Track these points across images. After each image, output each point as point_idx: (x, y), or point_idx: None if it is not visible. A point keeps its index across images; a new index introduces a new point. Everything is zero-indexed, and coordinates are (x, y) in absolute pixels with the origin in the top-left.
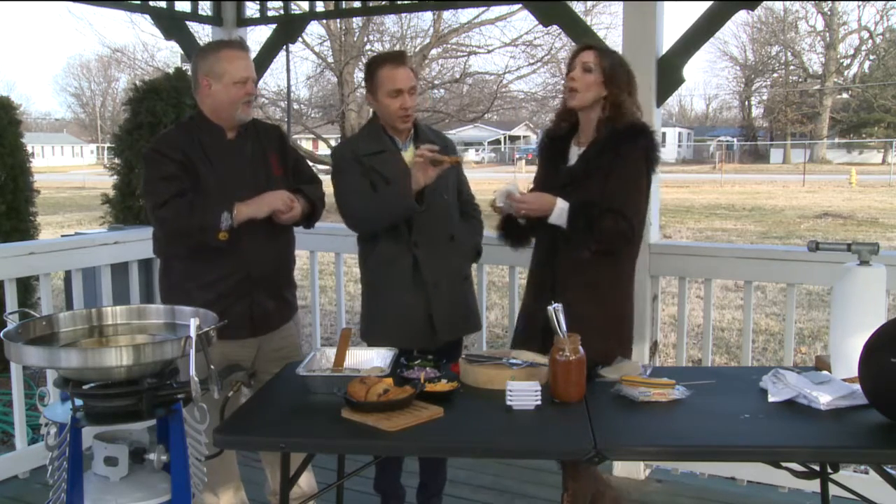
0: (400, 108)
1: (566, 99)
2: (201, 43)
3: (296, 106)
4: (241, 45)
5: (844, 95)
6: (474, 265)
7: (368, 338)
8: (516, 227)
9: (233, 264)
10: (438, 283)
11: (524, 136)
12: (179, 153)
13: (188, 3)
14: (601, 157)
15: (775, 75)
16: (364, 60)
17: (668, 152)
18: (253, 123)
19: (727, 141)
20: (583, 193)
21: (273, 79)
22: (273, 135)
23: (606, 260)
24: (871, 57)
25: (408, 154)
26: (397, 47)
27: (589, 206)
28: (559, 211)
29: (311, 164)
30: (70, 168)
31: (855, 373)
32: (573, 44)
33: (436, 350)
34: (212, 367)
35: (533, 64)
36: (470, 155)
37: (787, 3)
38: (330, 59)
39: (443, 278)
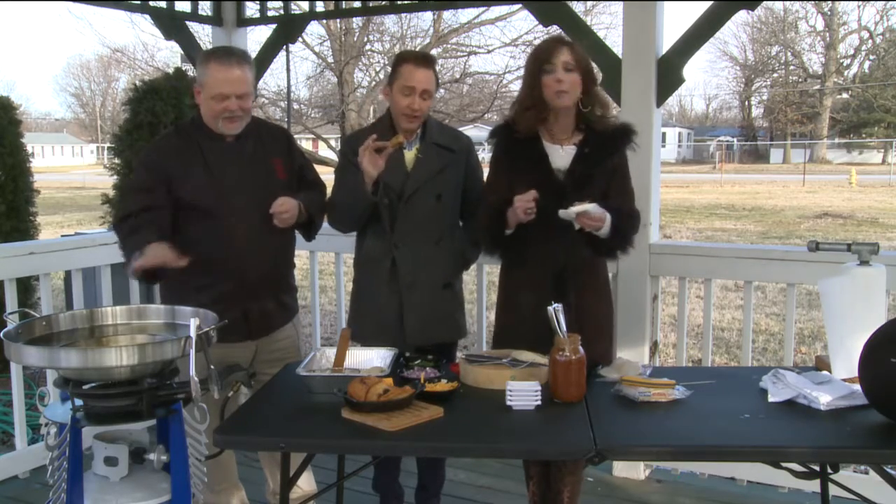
0: (407, 107)
1: (552, 100)
2: (201, 43)
3: (296, 106)
4: (233, 57)
5: (844, 95)
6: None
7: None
8: (503, 235)
9: (227, 269)
10: (413, 286)
11: None
12: (166, 167)
13: (188, 3)
14: (603, 159)
15: (775, 75)
16: (364, 60)
17: (668, 152)
18: (256, 125)
19: (727, 141)
20: (583, 196)
21: (273, 79)
22: (279, 138)
23: (605, 259)
24: (871, 57)
25: (410, 153)
26: (397, 47)
27: (623, 215)
28: (607, 224)
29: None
30: (70, 168)
31: (855, 373)
32: None
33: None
34: (212, 367)
35: None
36: None
37: (787, 3)
38: (330, 59)
39: (419, 282)
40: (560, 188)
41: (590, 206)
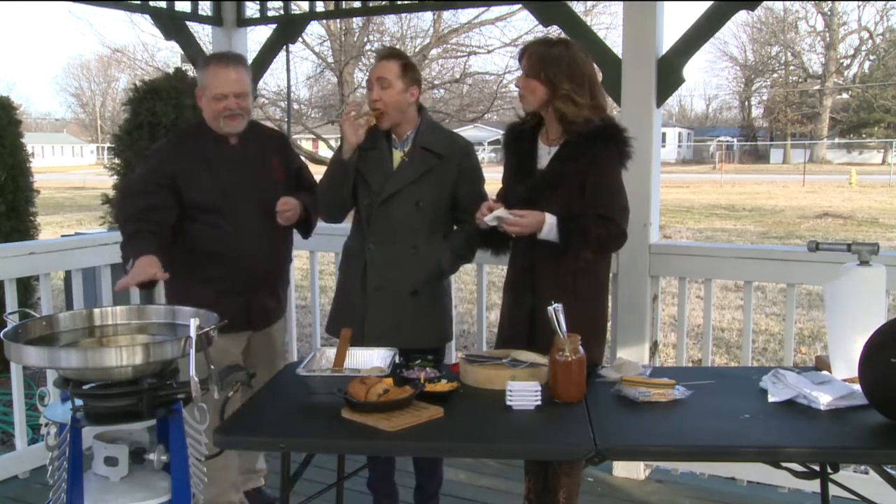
0: (370, 101)
1: (521, 102)
2: (201, 43)
3: (296, 106)
4: (230, 60)
5: (844, 95)
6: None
7: (329, 330)
8: (496, 234)
9: (232, 263)
10: (381, 289)
11: None
12: (170, 170)
13: (188, 3)
14: (575, 159)
15: (775, 75)
16: (364, 60)
17: (668, 152)
18: (255, 128)
19: (727, 141)
20: (558, 197)
21: (273, 79)
22: (277, 140)
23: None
24: (871, 57)
25: (398, 155)
26: (398, 47)
27: (577, 218)
28: (549, 226)
29: (311, 164)
30: (70, 168)
31: (855, 373)
32: None
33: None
34: (212, 367)
35: None
36: None
37: (787, 3)
38: (330, 59)
39: (387, 286)
40: (535, 188)
41: (499, 212)
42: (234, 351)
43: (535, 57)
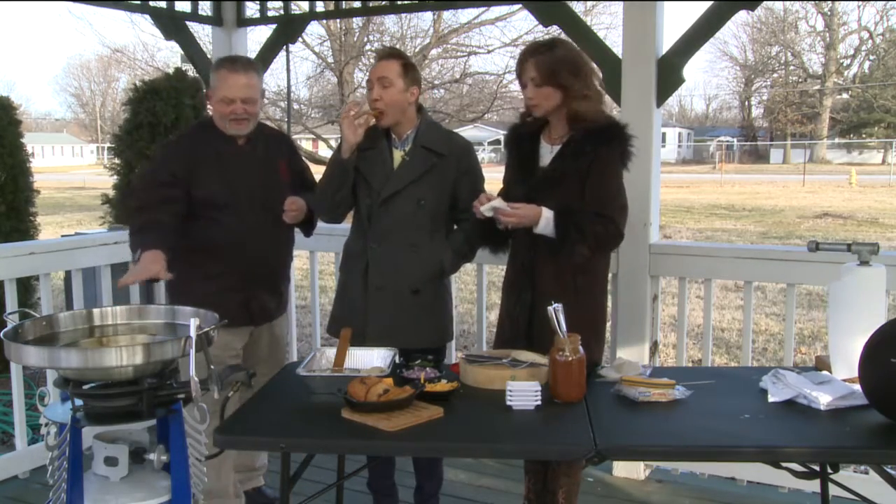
0: (370, 101)
1: (531, 111)
2: (201, 43)
3: (296, 106)
4: (241, 65)
5: (844, 95)
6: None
7: (330, 331)
8: (495, 232)
9: (235, 259)
10: (382, 289)
11: None
12: (184, 165)
13: (188, 3)
14: (577, 158)
15: (775, 75)
16: (364, 60)
17: (668, 152)
18: (262, 130)
19: (727, 141)
20: (559, 195)
21: (273, 79)
22: (283, 143)
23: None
24: (871, 57)
25: (398, 154)
26: (398, 47)
27: (574, 213)
28: (545, 220)
29: (311, 164)
30: (70, 168)
31: (855, 373)
32: None
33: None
34: (212, 367)
35: None
36: None
37: (787, 3)
38: (330, 59)
39: (389, 285)
40: (536, 186)
41: (496, 202)
42: (235, 346)
43: (542, 63)
